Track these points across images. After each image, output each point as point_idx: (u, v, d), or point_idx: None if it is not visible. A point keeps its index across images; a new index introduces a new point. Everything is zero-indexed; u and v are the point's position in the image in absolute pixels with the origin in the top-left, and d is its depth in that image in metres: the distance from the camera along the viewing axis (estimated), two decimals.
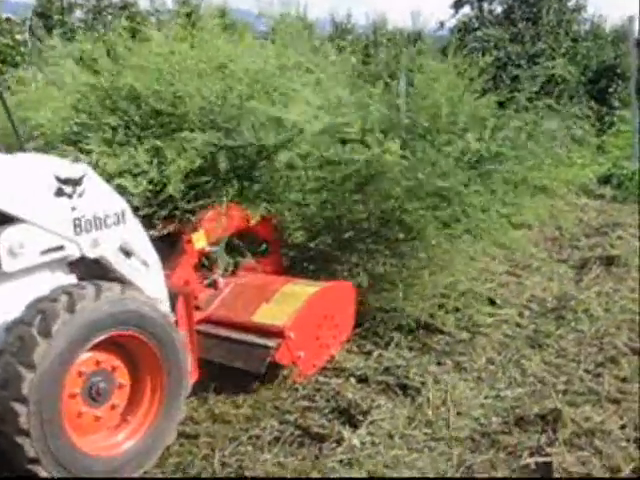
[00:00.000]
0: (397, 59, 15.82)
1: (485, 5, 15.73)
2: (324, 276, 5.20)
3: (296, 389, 4.43)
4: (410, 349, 4.97)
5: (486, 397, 4.32)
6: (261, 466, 3.68)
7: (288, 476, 3.58)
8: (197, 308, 4.48)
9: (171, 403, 3.62)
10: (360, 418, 4.01)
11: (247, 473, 3.61)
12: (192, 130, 5.24)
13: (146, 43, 6.13)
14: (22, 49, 15.59)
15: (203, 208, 5.01)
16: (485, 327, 5.30)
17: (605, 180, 11.23)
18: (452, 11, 15.83)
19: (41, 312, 3.12)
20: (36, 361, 3.02)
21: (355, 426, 3.96)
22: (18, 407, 3.00)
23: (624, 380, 4.45)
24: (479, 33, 14.98)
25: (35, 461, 3.07)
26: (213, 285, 4.83)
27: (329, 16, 22.87)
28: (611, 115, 15.62)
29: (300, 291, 4.63)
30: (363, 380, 4.49)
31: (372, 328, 5.22)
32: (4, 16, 15.42)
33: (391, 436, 3.89)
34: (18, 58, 15.20)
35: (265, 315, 4.45)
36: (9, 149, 3.63)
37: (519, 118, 7.84)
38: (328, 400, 4.26)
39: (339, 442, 3.82)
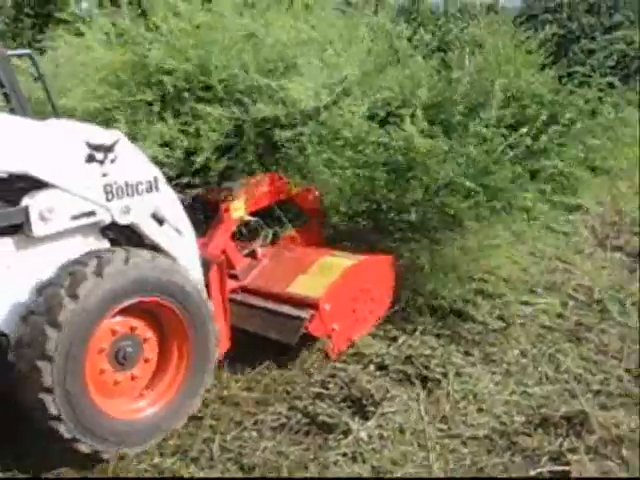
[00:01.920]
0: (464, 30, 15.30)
1: None
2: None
3: (310, 373, 4.24)
4: (438, 337, 4.69)
5: (512, 393, 4.03)
6: (261, 453, 3.53)
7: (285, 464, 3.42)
8: (234, 277, 4.49)
9: (197, 372, 3.66)
10: (372, 409, 3.80)
11: (245, 460, 3.47)
12: (221, 100, 5.12)
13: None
14: (87, 19, 15.72)
15: (237, 177, 4.94)
16: (522, 317, 4.96)
17: None
18: None
19: (70, 274, 3.18)
20: (62, 321, 3.08)
21: (366, 417, 3.76)
22: (42, 365, 3.06)
23: None
24: (550, 4, 14.25)
25: (57, 418, 3.13)
26: (251, 255, 4.79)
27: None
28: None
29: (337, 263, 4.54)
30: (382, 368, 4.27)
31: (401, 312, 4.97)
32: None
33: (402, 431, 3.66)
34: (84, 28, 15.29)
35: (301, 286, 4.39)
36: (42, 117, 3.61)
37: (580, 95, 7.39)
38: (342, 387, 4.05)
39: (346, 434, 3.63)
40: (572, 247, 6.50)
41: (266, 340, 4.26)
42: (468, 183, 4.72)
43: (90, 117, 5.27)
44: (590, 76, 7.84)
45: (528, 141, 5.39)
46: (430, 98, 7.23)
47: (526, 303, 5.14)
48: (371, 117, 6.01)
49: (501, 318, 4.91)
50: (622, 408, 3.82)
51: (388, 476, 3.36)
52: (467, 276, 5.19)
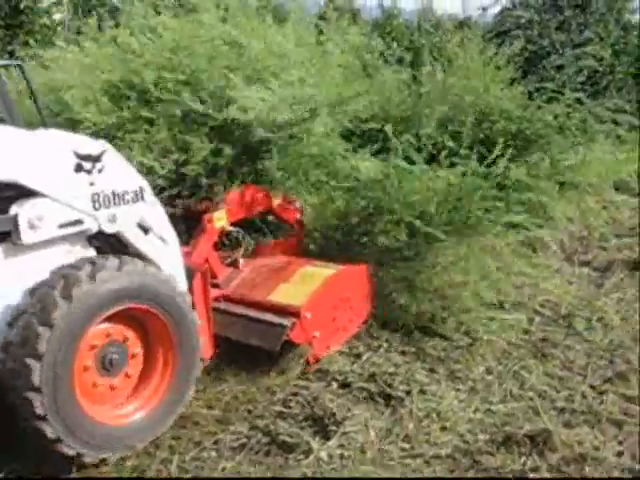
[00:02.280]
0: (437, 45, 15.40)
1: None
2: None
3: (273, 392, 4.17)
4: (403, 353, 4.65)
5: (476, 411, 3.99)
6: (220, 474, 3.44)
7: None
8: (216, 286, 4.57)
9: (182, 379, 3.71)
10: (333, 428, 3.73)
11: None
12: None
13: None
14: (59, 29, 15.59)
15: (224, 187, 5.16)
16: (488, 333, 4.92)
17: None
18: None
19: (63, 277, 3.24)
20: (55, 321, 3.13)
21: (327, 437, 3.69)
22: (32, 363, 3.10)
23: (630, 400, 4.06)
24: (521, 20, 14.37)
25: (43, 418, 3.15)
26: (233, 264, 4.91)
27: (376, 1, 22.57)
28: None
29: (318, 272, 4.68)
30: (345, 386, 4.20)
31: (367, 328, 4.92)
32: None
33: (363, 450, 3.60)
34: (54, 38, 15.18)
35: (282, 295, 4.50)
36: (31, 127, 3.67)
37: (549, 110, 7.45)
38: (304, 406, 3.99)
39: (306, 453, 3.56)
40: (540, 262, 6.52)
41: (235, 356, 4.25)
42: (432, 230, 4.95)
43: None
44: (559, 92, 7.92)
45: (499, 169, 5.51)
46: (400, 112, 7.29)
47: (492, 319, 5.11)
48: (345, 136, 6.03)
49: (467, 334, 4.88)
50: (586, 425, 3.80)
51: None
52: (433, 291, 5.17)
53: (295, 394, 4.12)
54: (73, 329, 3.20)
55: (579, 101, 7.31)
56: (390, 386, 4.14)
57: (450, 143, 6.66)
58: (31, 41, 12.81)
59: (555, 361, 4.60)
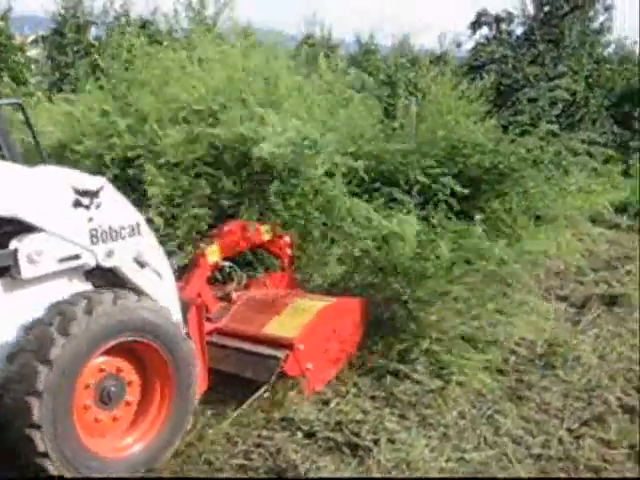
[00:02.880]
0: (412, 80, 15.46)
1: (503, 26, 15.21)
2: None
3: (235, 442, 3.94)
4: (372, 399, 4.44)
5: (448, 460, 3.79)
6: None
7: None
8: (209, 320, 4.57)
9: (178, 412, 3.68)
10: None
11: None
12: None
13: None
14: (33, 67, 15.49)
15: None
16: (461, 374, 4.74)
17: (623, 209, 10.59)
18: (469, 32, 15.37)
19: (61, 313, 3.25)
20: (53, 358, 3.12)
21: None
22: (32, 401, 3.09)
23: (608, 444, 3.89)
24: (496, 55, 14.48)
25: (44, 455, 3.13)
26: (226, 298, 4.94)
27: (354, 37, 22.82)
28: (636, 140, 15.00)
29: (311, 305, 4.73)
30: (310, 435, 3.98)
31: (338, 373, 4.73)
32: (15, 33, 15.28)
33: None
34: (28, 75, 15.07)
35: (276, 327, 4.53)
36: (30, 163, 3.69)
37: (522, 144, 7.38)
38: (266, 459, 3.77)
39: None
40: (515, 298, 6.35)
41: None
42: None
43: None
44: (532, 124, 7.87)
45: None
46: (371, 148, 7.17)
47: (466, 359, 4.93)
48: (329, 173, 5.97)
49: (439, 376, 4.69)
50: (562, 473, 3.61)
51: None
52: (404, 331, 5.01)
53: (258, 445, 3.89)
54: (71, 365, 3.20)
55: (553, 134, 7.23)
56: (357, 435, 3.92)
57: (422, 178, 6.58)
58: (5, 78, 12.72)
59: (531, 404, 4.43)
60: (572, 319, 6.01)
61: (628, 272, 7.30)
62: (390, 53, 23.22)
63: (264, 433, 4.02)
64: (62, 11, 16.21)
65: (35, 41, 17.46)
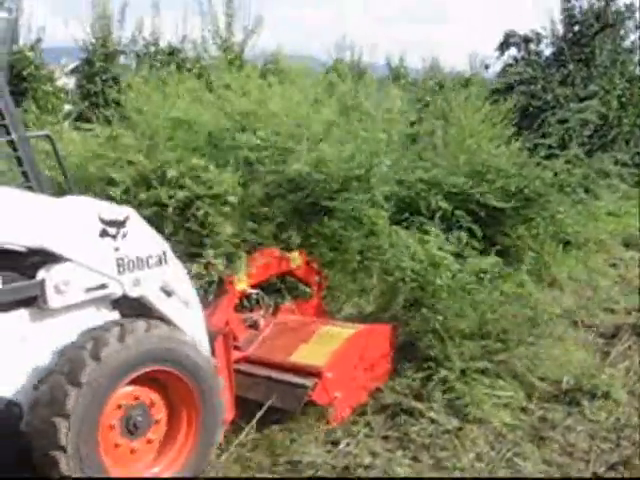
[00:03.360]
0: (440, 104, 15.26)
1: (532, 46, 14.94)
2: None
3: None
4: (385, 439, 4.22)
5: None
6: None
7: None
8: (237, 348, 4.58)
9: (204, 442, 3.66)
10: None
11: None
12: None
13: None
14: (62, 95, 15.68)
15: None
16: (481, 412, 4.49)
17: None
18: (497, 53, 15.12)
19: (93, 338, 3.29)
20: (83, 380, 3.15)
21: None
22: (59, 422, 3.10)
23: None
24: (524, 76, 14.20)
25: (67, 478, 3.12)
26: (254, 326, 4.94)
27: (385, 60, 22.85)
28: None
29: (338, 332, 4.71)
30: None
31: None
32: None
33: None
34: (57, 104, 15.27)
35: (303, 355, 4.52)
36: (58, 193, 3.74)
37: (548, 167, 7.14)
38: None
39: None
40: (541, 328, 6.05)
41: None
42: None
43: None
44: (562, 146, 7.63)
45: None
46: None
47: (487, 395, 4.67)
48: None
49: (457, 414, 4.45)
50: None
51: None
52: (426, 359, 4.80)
53: None
54: (101, 389, 3.22)
55: (577, 157, 6.98)
56: None
57: (445, 204, 6.36)
58: (34, 107, 12.86)
59: (554, 445, 4.17)
60: (601, 350, 5.70)
61: None
62: (419, 76, 23.20)
63: (269, 476, 3.82)
64: (93, 40, 16.48)
65: (73, 71, 17.74)
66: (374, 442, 4.16)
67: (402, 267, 5.23)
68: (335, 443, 4.19)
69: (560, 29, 15.35)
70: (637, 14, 15.26)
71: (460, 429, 4.29)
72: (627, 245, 9.45)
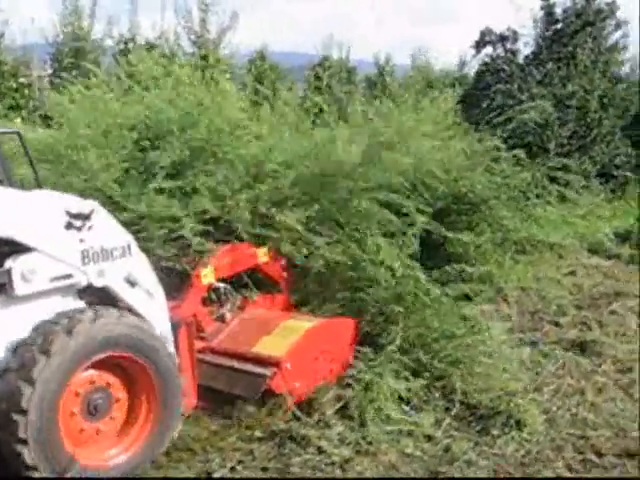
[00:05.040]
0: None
1: (508, 45, 14.48)
2: None
3: None
4: (264, 470, 3.81)
5: None
6: None
7: None
8: (203, 339, 4.80)
9: (163, 424, 3.81)
10: None
11: None
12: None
13: None
14: (26, 91, 15.29)
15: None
16: (379, 439, 4.06)
17: (626, 237, 9.67)
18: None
19: (42, 334, 3.43)
20: (35, 377, 3.30)
21: None
22: (18, 418, 3.27)
23: None
24: (502, 74, 13.77)
25: (33, 468, 3.32)
26: (221, 319, 5.08)
27: (372, 59, 22.46)
28: None
29: (300, 325, 4.85)
30: None
31: None
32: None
33: None
34: (22, 101, 14.92)
35: (265, 346, 4.66)
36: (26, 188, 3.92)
37: (490, 170, 6.73)
38: None
39: None
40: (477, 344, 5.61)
41: None
42: None
43: None
44: (510, 147, 7.23)
45: None
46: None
47: (388, 417, 4.25)
48: None
49: (349, 444, 4.02)
50: None
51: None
52: None
53: None
54: (54, 382, 3.35)
55: (518, 161, 6.56)
56: None
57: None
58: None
59: None
60: (534, 369, 5.25)
61: (612, 312, 6.49)
62: (405, 74, 22.83)
63: None
64: (61, 36, 16.15)
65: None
66: (251, 473, 3.74)
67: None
68: (209, 474, 3.77)
69: (540, 27, 14.92)
70: (618, 13, 14.86)
71: (347, 461, 3.85)
72: (593, 251, 8.99)
